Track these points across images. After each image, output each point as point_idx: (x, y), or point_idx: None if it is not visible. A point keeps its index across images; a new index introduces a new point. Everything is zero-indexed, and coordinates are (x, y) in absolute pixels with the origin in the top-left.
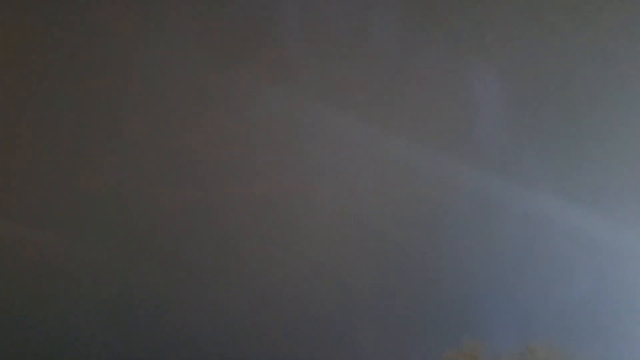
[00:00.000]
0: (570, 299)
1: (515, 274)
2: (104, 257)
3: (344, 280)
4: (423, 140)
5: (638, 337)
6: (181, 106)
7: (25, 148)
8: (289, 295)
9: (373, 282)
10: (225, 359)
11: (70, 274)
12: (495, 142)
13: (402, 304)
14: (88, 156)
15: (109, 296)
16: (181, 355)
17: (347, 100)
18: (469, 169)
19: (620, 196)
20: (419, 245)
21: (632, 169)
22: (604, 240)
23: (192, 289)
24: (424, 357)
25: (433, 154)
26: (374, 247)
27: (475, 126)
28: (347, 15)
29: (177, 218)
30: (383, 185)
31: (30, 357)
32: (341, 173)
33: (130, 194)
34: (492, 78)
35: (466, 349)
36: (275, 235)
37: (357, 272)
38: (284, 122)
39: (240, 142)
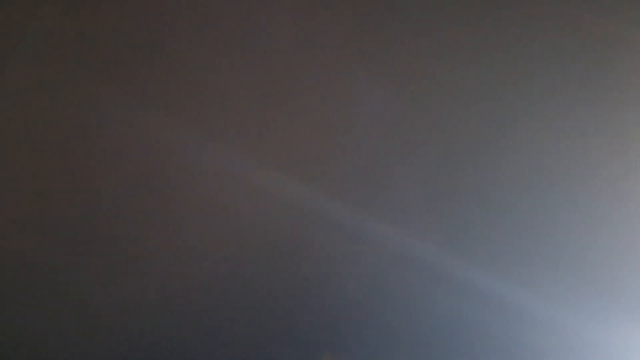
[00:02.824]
0: (424, 323)
1: (378, 295)
2: None
3: (201, 301)
4: (295, 173)
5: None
6: None
7: None
8: (136, 334)
9: (226, 304)
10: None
11: None
12: (372, 174)
13: (264, 320)
14: None
15: None
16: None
17: (215, 128)
18: (339, 200)
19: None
20: (275, 268)
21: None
22: (457, 273)
23: None
24: None
25: (303, 187)
26: (228, 270)
27: (352, 156)
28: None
29: None
30: (251, 217)
31: None
32: (210, 205)
33: None
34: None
35: None
36: (126, 274)
37: (214, 293)
38: (145, 146)
39: (96, 171)
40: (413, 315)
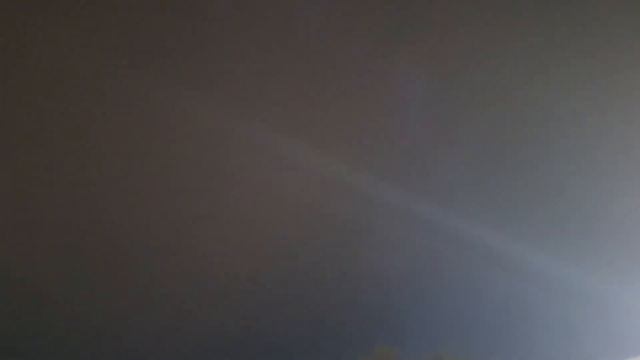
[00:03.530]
0: (482, 307)
1: (428, 281)
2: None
3: (254, 286)
4: (341, 152)
5: (547, 350)
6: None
7: None
8: (196, 309)
9: (284, 289)
10: None
11: None
12: (419, 156)
13: (315, 311)
14: None
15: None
16: None
17: (264, 108)
18: (389, 183)
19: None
20: (333, 253)
21: (558, 190)
22: (514, 254)
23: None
24: None
25: (352, 167)
26: (285, 253)
27: (398, 139)
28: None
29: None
30: (299, 196)
31: None
32: (255, 184)
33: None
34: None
35: (379, 356)
36: (179, 247)
37: (267, 281)
38: (197, 127)
39: (150, 148)
40: (468, 299)
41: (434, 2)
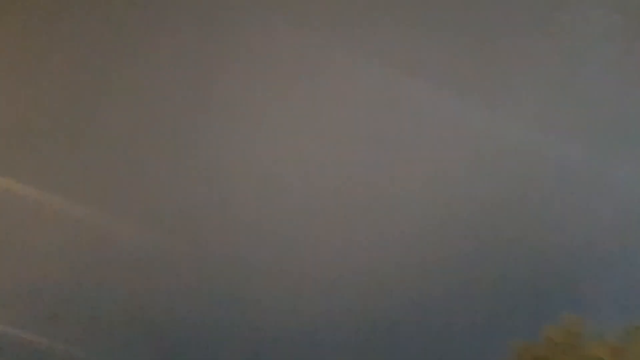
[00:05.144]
0: None
1: (622, 251)
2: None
3: (444, 252)
4: (515, 118)
5: None
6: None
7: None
8: (374, 275)
9: (471, 255)
10: None
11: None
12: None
13: (503, 278)
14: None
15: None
16: None
17: (433, 75)
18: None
19: None
20: (520, 219)
21: None
22: None
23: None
24: (523, 331)
25: (533, 133)
26: (472, 220)
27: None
28: None
29: None
30: (477, 161)
31: None
32: (429, 149)
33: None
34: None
35: (566, 325)
36: (365, 210)
37: (453, 246)
38: (365, 95)
39: (312, 113)
40: None
41: None
